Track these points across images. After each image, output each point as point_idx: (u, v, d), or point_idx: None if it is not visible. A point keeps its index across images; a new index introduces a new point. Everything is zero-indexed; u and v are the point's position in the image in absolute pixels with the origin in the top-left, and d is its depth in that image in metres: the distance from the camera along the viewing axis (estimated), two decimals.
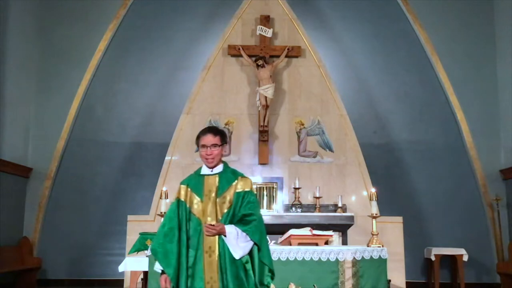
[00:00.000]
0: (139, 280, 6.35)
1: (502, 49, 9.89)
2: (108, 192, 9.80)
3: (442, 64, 9.90)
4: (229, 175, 3.44)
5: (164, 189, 6.99)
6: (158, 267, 3.35)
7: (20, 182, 9.55)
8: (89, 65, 9.93)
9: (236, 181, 3.41)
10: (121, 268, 6.07)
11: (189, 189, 3.42)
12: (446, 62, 9.92)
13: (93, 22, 10.12)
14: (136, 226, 8.01)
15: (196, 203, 3.37)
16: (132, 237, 7.58)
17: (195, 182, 3.44)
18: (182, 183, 3.49)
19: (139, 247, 6.10)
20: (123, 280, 8.19)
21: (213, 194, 3.36)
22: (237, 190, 3.37)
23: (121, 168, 9.91)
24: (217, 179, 3.41)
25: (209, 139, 3.43)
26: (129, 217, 8.51)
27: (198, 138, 3.49)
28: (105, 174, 9.87)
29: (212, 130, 3.51)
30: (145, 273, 6.01)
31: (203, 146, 3.43)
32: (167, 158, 8.92)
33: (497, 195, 9.29)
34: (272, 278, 3.36)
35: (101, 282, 9.34)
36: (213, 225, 3.24)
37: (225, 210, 3.34)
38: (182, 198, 3.41)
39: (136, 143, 10.00)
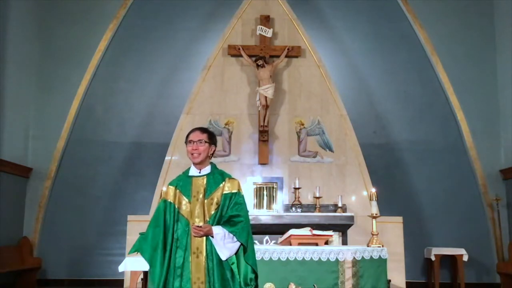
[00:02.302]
0: (139, 280, 6.35)
1: (502, 49, 9.89)
2: (108, 192, 9.80)
3: (442, 64, 9.90)
4: (217, 176, 3.44)
5: (164, 189, 6.95)
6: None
7: (20, 182, 9.55)
8: (89, 65, 9.93)
9: (223, 182, 3.41)
10: (121, 268, 6.06)
11: (177, 191, 3.43)
12: (446, 62, 9.92)
13: (93, 22, 10.12)
14: (136, 226, 7.96)
15: (185, 204, 3.38)
16: (132, 237, 7.58)
17: (184, 183, 3.45)
18: (170, 184, 3.50)
19: (139, 247, 6.08)
20: (123, 280, 8.18)
21: (201, 196, 3.37)
22: (225, 192, 3.38)
23: (121, 168, 9.92)
24: (205, 180, 3.41)
25: (196, 134, 3.45)
26: (129, 217, 8.49)
27: (187, 137, 3.50)
28: (105, 174, 9.87)
29: (201, 128, 3.55)
30: (145, 273, 6.01)
31: (190, 141, 3.44)
32: (167, 158, 8.91)
33: (497, 195, 9.30)
34: (256, 279, 3.36)
35: (101, 282, 9.34)
36: (200, 227, 3.24)
37: (213, 212, 3.34)
38: (170, 199, 3.42)
39: (136, 143, 10.00)
